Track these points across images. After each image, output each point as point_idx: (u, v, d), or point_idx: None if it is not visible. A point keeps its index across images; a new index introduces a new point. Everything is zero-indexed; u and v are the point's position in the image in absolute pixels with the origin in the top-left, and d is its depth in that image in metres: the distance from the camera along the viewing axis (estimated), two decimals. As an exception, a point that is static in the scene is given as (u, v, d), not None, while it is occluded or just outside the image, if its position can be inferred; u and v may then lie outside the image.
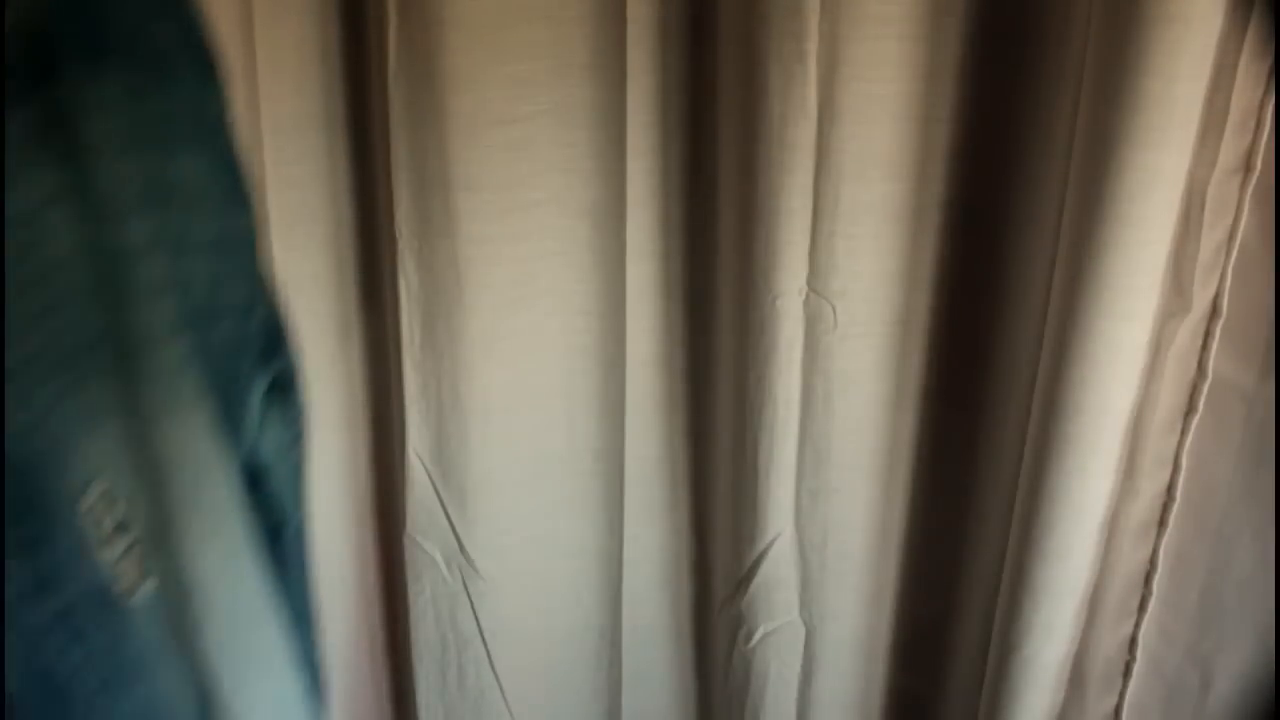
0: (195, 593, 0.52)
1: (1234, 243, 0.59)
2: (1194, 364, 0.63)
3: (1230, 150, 0.58)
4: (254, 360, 0.54)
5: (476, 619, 0.87)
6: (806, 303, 0.72)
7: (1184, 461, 0.65)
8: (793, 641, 0.85)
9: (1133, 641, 0.70)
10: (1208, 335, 0.62)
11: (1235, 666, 0.66)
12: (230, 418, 0.53)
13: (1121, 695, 0.72)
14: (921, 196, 0.70)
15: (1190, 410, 0.64)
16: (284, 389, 0.56)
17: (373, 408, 0.88)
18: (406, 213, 0.74)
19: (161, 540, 0.51)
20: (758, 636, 0.84)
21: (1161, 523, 0.67)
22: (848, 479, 0.79)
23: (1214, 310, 0.61)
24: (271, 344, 0.54)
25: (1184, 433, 0.64)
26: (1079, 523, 0.67)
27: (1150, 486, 0.66)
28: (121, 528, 0.49)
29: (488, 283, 0.75)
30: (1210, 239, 0.60)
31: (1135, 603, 0.69)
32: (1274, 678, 0.63)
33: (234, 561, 0.54)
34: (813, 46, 0.64)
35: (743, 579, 0.83)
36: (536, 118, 0.71)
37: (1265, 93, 0.56)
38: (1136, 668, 0.71)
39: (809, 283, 0.72)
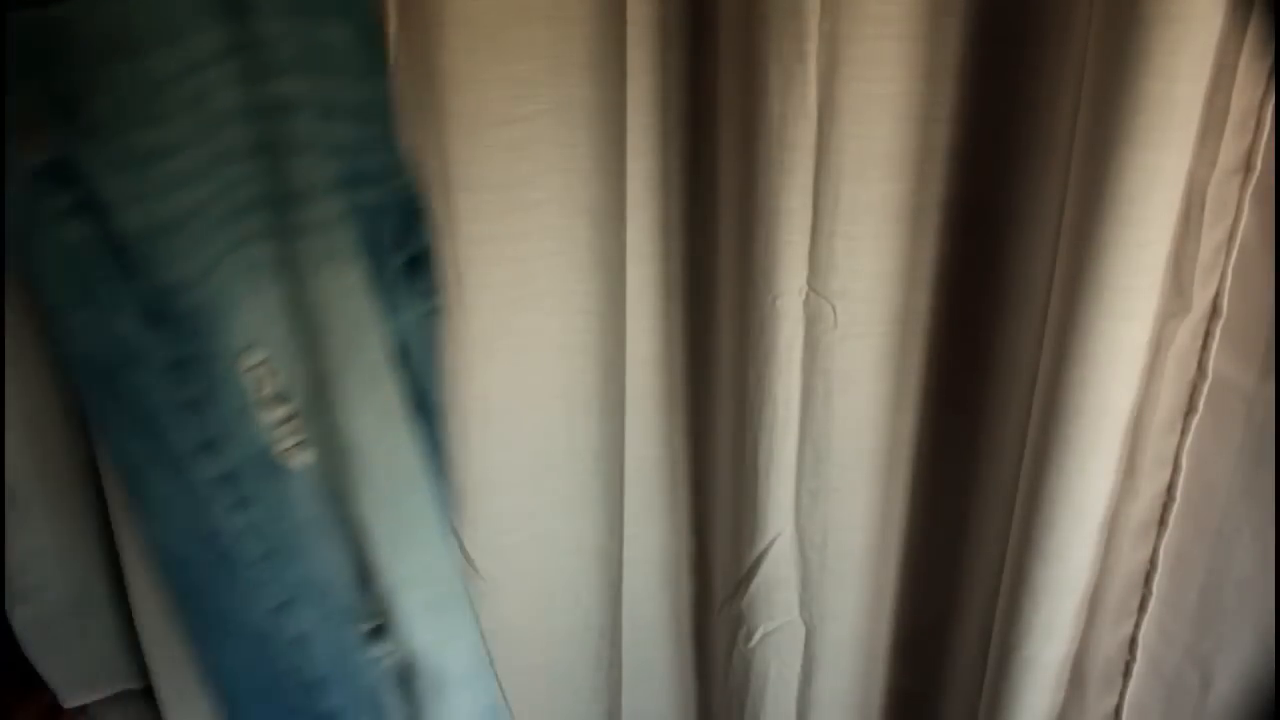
0: (352, 456, 0.53)
1: (1234, 243, 0.59)
2: (1194, 364, 0.63)
3: (1230, 150, 0.58)
4: (394, 231, 0.54)
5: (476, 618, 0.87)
6: (806, 302, 0.72)
7: (1184, 461, 0.65)
8: (793, 641, 0.85)
9: (1133, 641, 0.70)
10: (1208, 335, 0.62)
11: (1235, 666, 0.66)
12: (376, 285, 0.53)
13: (1121, 695, 0.72)
14: (921, 196, 0.70)
15: (1190, 410, 0.64)
16: (421, 262, 0.57)
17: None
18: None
19: (319, 405, 0.52)
20: (758, 636, 0.84)
21: (1161, 523, 0.67)
22: (848, 478, 0.79)
23: (1214, 310, 0.61)
24: (410, 216, 0.55)
25: (1184, 433, 0.64)
26: (1079, 522, 0.67)
27: (1150, 486, 0.66)
28: (281, 397, 0.51)
29: (488, 283, 0.75)
30: (1210, 239, 0.60)
31: (1135, 603, 0.69)
32: (1274, 678, 0.63)
33: (389, 425, 0.54)
34: (813, 47, 0.64)
35: (743, 579, 0.83)
36: (537, 118, 0.71)
37: (1265, 93, 0.56)
38: (1136, 668, 0.71)
39: (809, 282, 0.72)
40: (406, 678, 0.57)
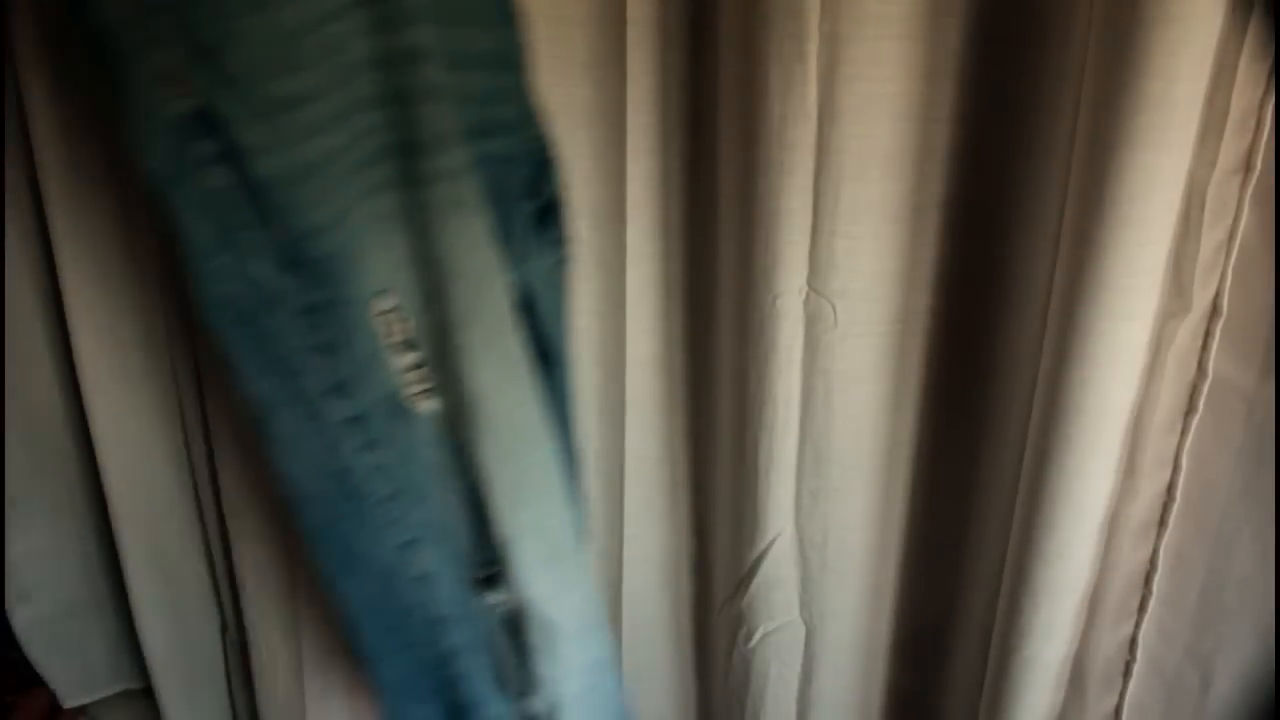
0: (475, 406, 0.54)
1: (1234, 243, 0.59)
2: (1194, 364, 0.63)
3: (1230, 150, 0.58)
4: (524, 181, 0.55)
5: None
6: (806, 302, 0.72)
7: (1184, 461, 0.65)
8: (793, 641, 0.85)
9: (1133, 641, 0.70)
10: (1208, 335, 0.62)
11: (1235, 666, 0.66)
12: (504, 234, 0.54)
13: (1121, 695, 0.72)
14: (921, 196, 0.70)
15: (1190, 410, 0.64)
16: (550, 214, 0.57)
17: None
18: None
19: (445, 354, 0.53)
20: (758, 636, 0.84)
21: (1161, 523, 0.67)
22: (848, 478, 0.79)
23: (1214, 310, 0.61)
24: (540, 168, 0.56)
25: (1184, 433, 0.64)
26: (1079, 522, 0.67)
27: (1150, 486, 0.66)
28: (410, 344, 0.53)
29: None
30: (1210, 239, 0.60)
31: (1135, 603, 0.69)
32: (1274, 678, 0.64)
33: (512, 376, 0.55)
34: (813, 47, 0.64)
35: (743, 578, 0.83)
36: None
37: (1265, 93, 0.56)
38: (1136, 668, 0.71)
39: (809, 282, 0.72)
40: (518, 626, 0.58)
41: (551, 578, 0.58)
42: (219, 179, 0.49)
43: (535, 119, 0.55)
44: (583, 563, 0.61)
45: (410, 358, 0.53)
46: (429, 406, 0.54)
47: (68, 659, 1.01)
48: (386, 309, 0.52)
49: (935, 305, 0.73)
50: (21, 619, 0.97)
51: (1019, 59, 0.65)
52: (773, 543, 0.80)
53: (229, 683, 1.04)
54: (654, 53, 0.72)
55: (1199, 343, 0.62)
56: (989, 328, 0.73)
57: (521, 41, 0.57)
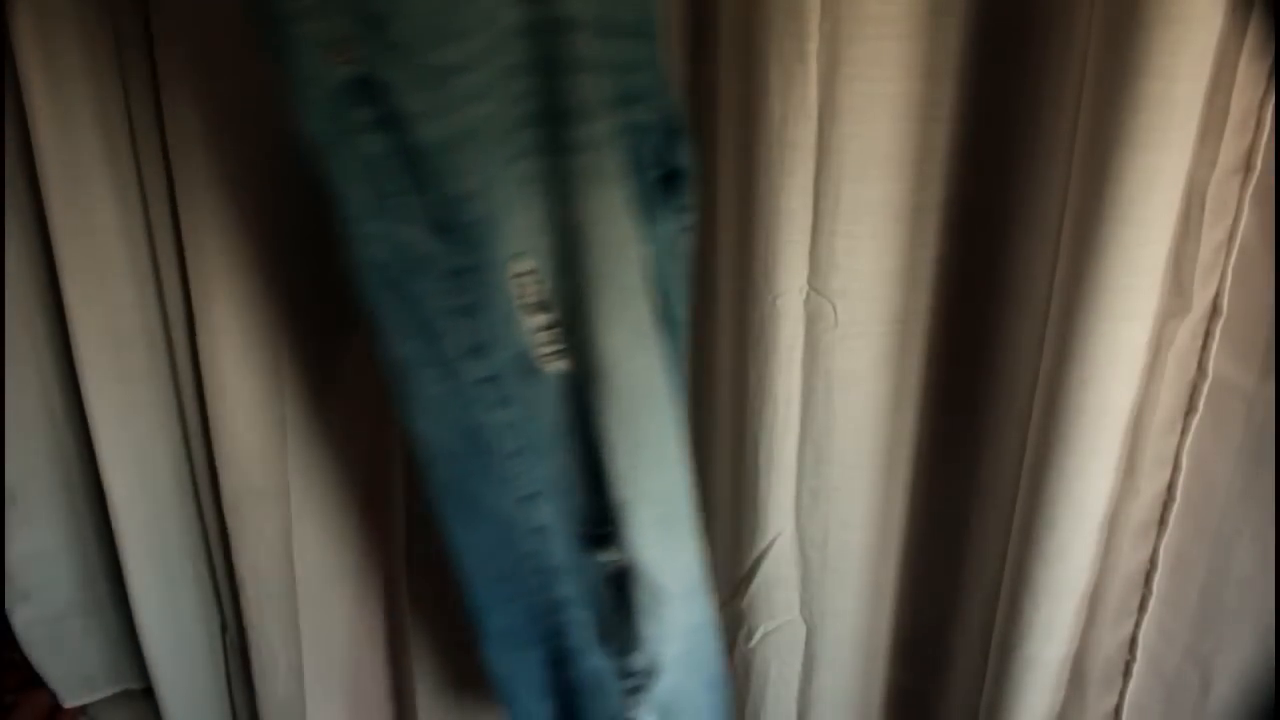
0: (602, 371, 0.56)
1: (1234, 243, 0.59)
2: (1194, 364, 0.63)
3: (1230, 150, 0.58)
4: (654, 148, 0.57)
5: (477, 619, 0.87)
6: (807, 302, 0.72)
7: (1184, 461, 0.65)
8: (793, 640, 0.85)
9: (1133, 641, 0.70)
10: (1208, 335, 0.62)
11: (1235, 666, 0.66)
12: (639, 201, 0.56)
13: (1121, 695, 0.72)
14: (922, 196, 0.70)
15: (1190, 410, 0.64)
16: (676, 180, 0.59)
17: (374, 408, 0.88)
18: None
19: (576, 318, 0.55)
20: (758, 635, 0.84)
21: (1161, 522, 0.67)
22: (848, 478, 0.79)
23: (1214, 310, 0.61)
24: (670, 134, 0.57)
25: (1184, 433, 0.64)
26: (1079, 522, 0.67)
27: (1150, 486, 0.66)
28: (543, 306, 0.55)
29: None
30: (1210, 239, 0.60)
31: (1135, 602, 0.69)
32: (1274, 678, 0.64)
33: (640, 343, 0.57)
34: (813, 46, 0.64)
35: (743, 578, 0.83)
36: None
37: (1265, 93, 0.56)
38: (1136, 667, 0.71)
39: (809, 282, 0.72)
40: (625, 585, 0.60)
41: (662, 541, 0.60)
42: (376, 145, 0.51)
43: (666, 86, 0.56)
44: (692, 527, 0.62)
45: (542, 319, 0.55)
46: (557, 367, 0.56)
47: (68, 659, 1.01)
48: (523, 272, 0.53)
49: (935, 305, 0.73)
50: (21, 619, 0.97)
51: (1019, 59, 0.65)
52: (773, 542, 0.80)
53: (229, 683, 1.04)
54: (654, 53, 0.72)
55: (1199, 343, 0.62)
56: (989, 327, 0.73)
57: (657, 10, 0.57)
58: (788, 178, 0.68)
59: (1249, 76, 0.56)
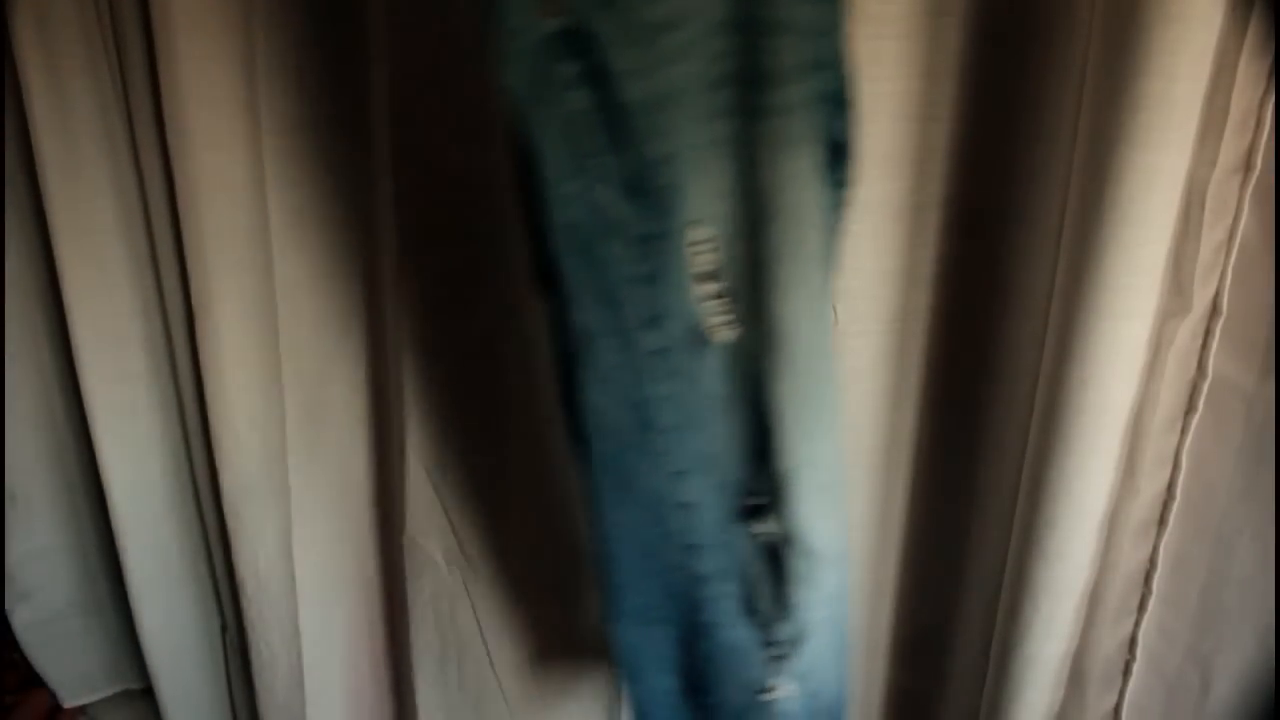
0: (778, 340, 0.55)
1: (1234, 242, 0.59)
2: (1194, 363, 0.63)
3: (1230, 150, 0.58)
4: (827, 115, 0.55)
5: (476, 619, 0.87)
6: (807, 301, 0.72)
7: (1184, 461, 0.65)
8: (793, 640, 0.85)
9: (1133, 641, 0.70)
10: (1208, 335, 0.62)
11: (1235, 666, 0.66)
12: (821, 170, 0.55)
13: (1121, 694, 0.72)
14: (922, 195, 0.70)
15: (1190, 409, 0.64)
16: (841, 152, 0.57)
17: (373, 408, 0.88)
18: (407, 213, 0.74)
19: (751, 286, 0.54)
20: (758, 635, 0.84)
21: (1161, 522, 0.67)
22: (849, 476, 0.79)
23: (1214, 310, 0.61)
24: (842, 104, 0.56)
25: (1184, 432, 0.64)
26: (1079, 521, 0.67)
27: (1150, 485, 0.66)
28: (715, 274, 0.54)
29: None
30: (1210, 239, 0.60)
31: (1135, 602, 0.69)
32: (1274, 678, 0.64)
33: (815, 314, 0.56)
34: (813, 46, 0.64)
35: (743, 578, 0.83)
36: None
37: (1265, 93, 0.56)
38: (1136, 667, 0.71)
39: (810, 281, 0.72)
40: (780, 554, 0.59)
41: (822, 507, 0.59)
42: (580, 102, 0.50)
43: (845, 58, 0.55)
44: (843, 490, 0.62)
45: (712, 288, 0.54)
46: (724, 337, 0.55)
47: (68, 659, 1.01)
48: (700, 239, 0.52)
49: (935, 304, 0.73)
50: (21, 619, 0.97)
51: (1019, 58, 0.65)
52: (773, 542, 0.80)
53: (229, 683, 1.04)
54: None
55: (1199, 342, 0.62)
56: (989, 326, 0.73)
57: None
58: (788, 177, 0.67)
59: (1249, 76, 0.56)
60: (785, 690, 0.64)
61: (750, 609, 0.62)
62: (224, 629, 1.01)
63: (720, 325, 0.55)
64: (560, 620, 0.88)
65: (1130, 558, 0.68)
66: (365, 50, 0.74)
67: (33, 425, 0.91)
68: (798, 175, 0.53)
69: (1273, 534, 0.62)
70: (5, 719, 1.02)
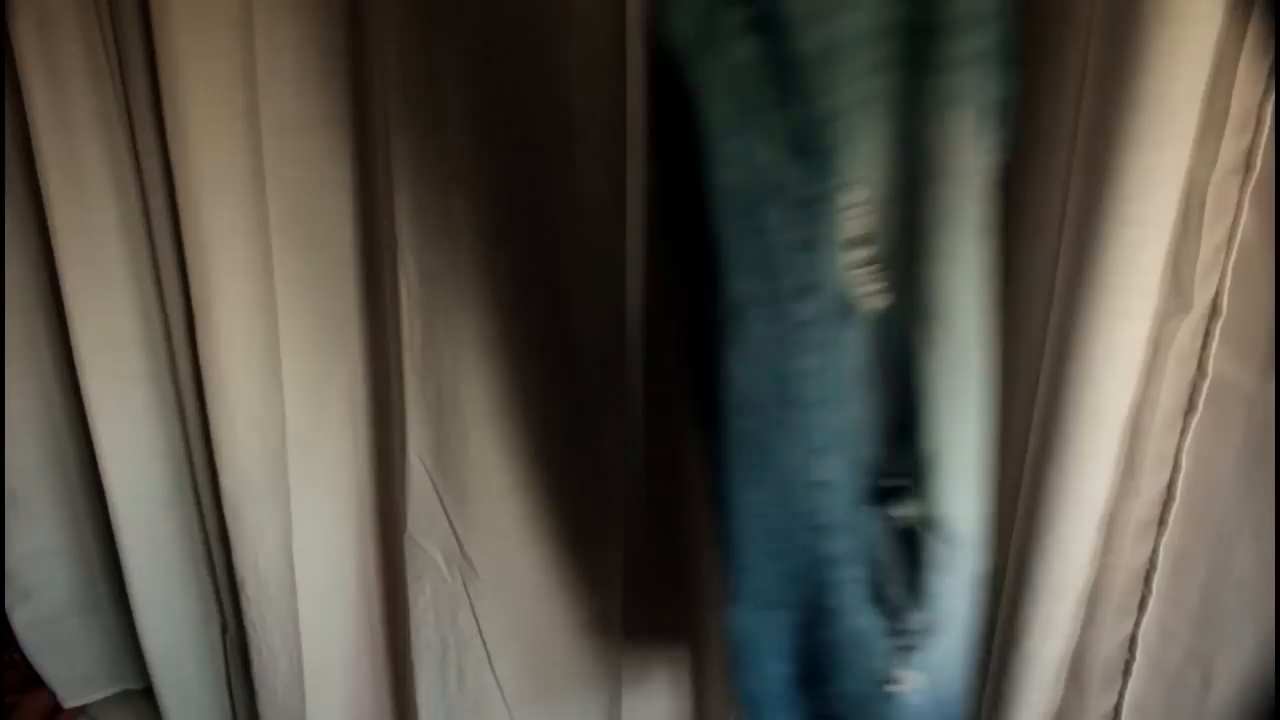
0: (931, 312, 0.52)
1: (1234, 243, 0.59)
2: (1194, 363, 0.63)
3: (1230, 150, 0.58)
4: (991, 73, 0.52)
5: (476, 619, 0.87)
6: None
7: (1184, 461, 0.65)
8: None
9: (1133, 640, 0.70)
10: (1208, 335, 0.62)
11: (1235, 666, 0.66)
12: (984, 129, 0.51)
13: (1121, 693, 0.72)
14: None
15: (1190, 409, 0.64)
16: (1001, 110, 0.54)
17: (373, 408, 0.88)
18: (407, 213, 0.74)
19: (905, 253, 0.51)
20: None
21: (1162, 521, 0.67)
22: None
23: (1214, 310, 0.61)
24: (1004, 60, 0.52)
25: (1184, 432, 0.64)
26: (1079, 520, 0.67)
27: (1150, 485, 0.66)
28: (868, 239, 0.51)
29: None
30: (1210, 239, 0.60)
31: (1135, 601, 0.69)
32: (1274, 678, 0.64)
33: (972, 286, 0.53)
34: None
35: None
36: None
37: (1265, 93, 0.56)
38: (1136, 666, 0.71)
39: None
40: (918, 538, 0.57)
41: (963, 490, 0.57)
42: (748, 51, 0.47)
43: (1011, 11, 0.52)
44: (984, 471, 0.59)
45: (863, 254, 0.51)
46: (872, 306, 0.52)
47: (68, 659, 1.01)
48: (855, 202, 0.50)
49: (935, 304, 0.73)
50: (21, 619, 0.97)
51: (1019, 58, 0.65)
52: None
53: (229, 683, 1.04)
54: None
55: (1199, 342, 0.62)
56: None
57: None
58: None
59: (1249, 76, 0.56)
60: (912, 681, 0.61)
61: (878, 595, 0.59)
62: (224, 629, 1.01)
63: (869, 294, 0.51)
64: (560, 620, 0.88)
65: (1130, 557, 0.68)
66: (365, 49, 0.74)
67: (33, 426, 0.91)
68: (961, 135, 0.50)
69: (1273, 534, 0.62)
70: (5, 719, 1.02)
